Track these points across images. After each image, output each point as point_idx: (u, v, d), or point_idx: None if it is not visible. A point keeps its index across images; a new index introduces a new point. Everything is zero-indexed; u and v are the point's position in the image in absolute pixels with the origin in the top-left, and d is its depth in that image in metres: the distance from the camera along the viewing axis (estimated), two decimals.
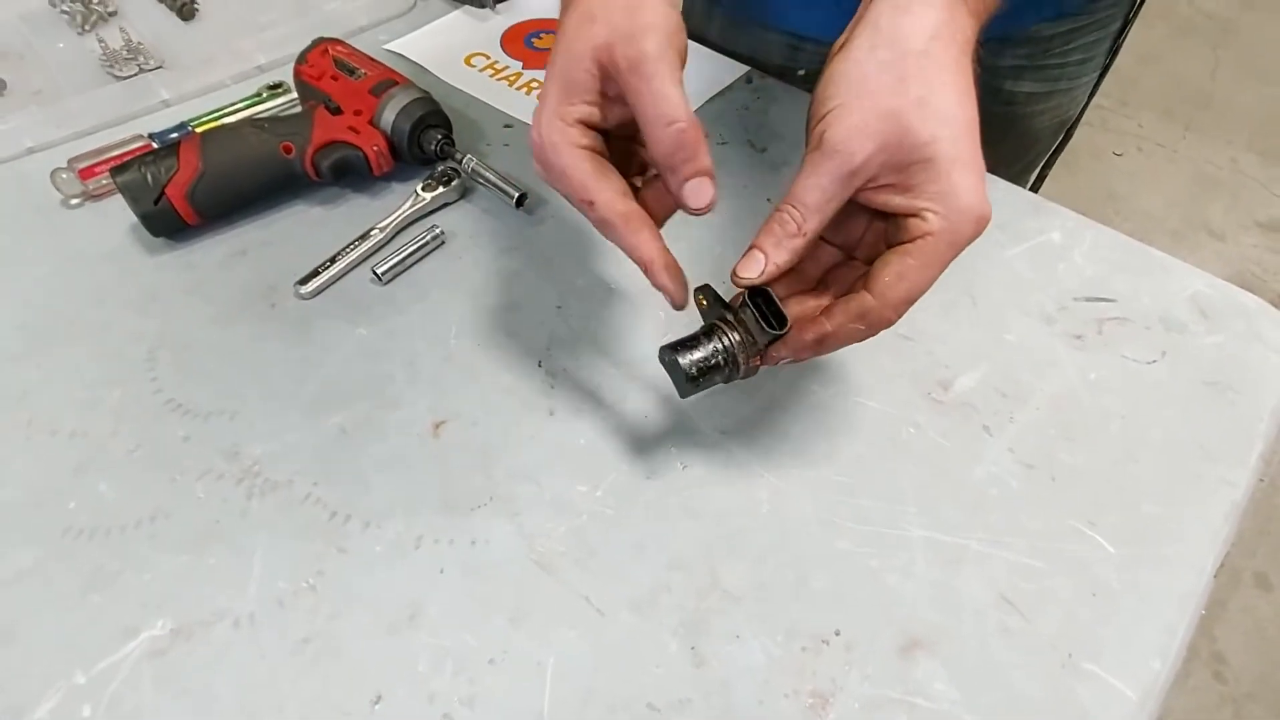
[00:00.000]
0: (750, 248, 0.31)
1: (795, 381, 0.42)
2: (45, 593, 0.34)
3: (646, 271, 0.32)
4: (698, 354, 0.32)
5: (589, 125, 0.33)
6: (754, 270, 0.31)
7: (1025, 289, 0.47)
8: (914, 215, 0.30)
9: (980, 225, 0.30)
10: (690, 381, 0.32)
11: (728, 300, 0.33)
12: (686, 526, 0.37)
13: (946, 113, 0.29)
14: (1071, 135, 0.69)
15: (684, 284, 0.33)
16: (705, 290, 0.34)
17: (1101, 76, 0.65)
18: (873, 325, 0.31)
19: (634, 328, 0.44)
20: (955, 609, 0.34)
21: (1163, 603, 0.35)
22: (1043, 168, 0.71)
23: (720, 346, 0.32)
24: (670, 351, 0.32)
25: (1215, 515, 0.38)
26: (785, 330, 0.31)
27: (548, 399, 0.41)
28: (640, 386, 0.42)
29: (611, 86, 0.32)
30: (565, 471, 0.38)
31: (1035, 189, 0.72)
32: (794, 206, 0.30)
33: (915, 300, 0.30)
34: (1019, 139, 0.66)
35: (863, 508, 0.37)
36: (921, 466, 0.39)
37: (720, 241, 0.49)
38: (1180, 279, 0.47)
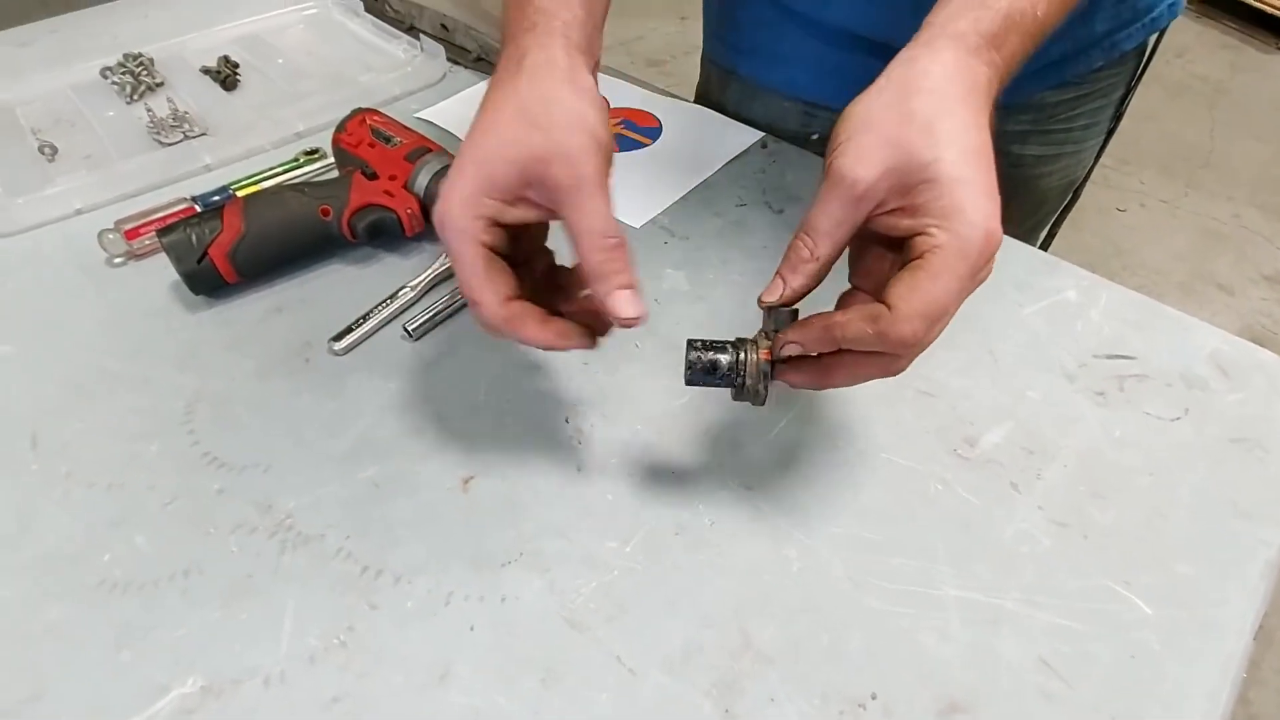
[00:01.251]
0: (774, 275, 0.33)
1: (819, 436, 0.42)
2: (77, 647, 0.34)
3: (550, 349, 0.35)
4: (712, 349, 0.34)
5: (494, 221, 0.33)
6: (774, 294, 0.33)
7: (1044, 346, 0.47)
8: (921, 233, 0.30)
9: (990, 241, 0.30)
10: (698, 367, 0.33)
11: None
12: (717, 584, 0.37)
13: (949, 136, 0.30)
14: (1079, 195, 0.71)
15: (587, 336, 0.35)
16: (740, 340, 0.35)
17: (1107, 140, 0.67)
18: (883, 333, 0.30)
19: (658, 385, 0.45)
20: (993, 671, 0.34)
21: (1205, 667, 0.34)
22: (1051, 226, 0.73)
23: (738, 352, 0.34)
24: (694, 345, 0.34)
25: (1252, 574, 0.37)
26: (794, 308, 0.33)
27: (575, 455, 0.42)
28: (666, 443, 0.42)
29: (533, 194, 0.33)
30: (594, 527, 0.38)
31: (1045, 247, 0.74)
32: (806, 234, 0.32)
33: (932, 316, 0.29)
34: (1027, 199, 0.68)
35: (893, 566, 0.37)
36: (951, 524, 0.39)
37: (742, 304, 0.50)
38: (1198, 336, 0.48)
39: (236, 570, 0.36)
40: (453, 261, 0.33)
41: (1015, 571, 0.37)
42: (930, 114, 0.30)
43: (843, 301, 0.35)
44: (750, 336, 0.35)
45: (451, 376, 0.45)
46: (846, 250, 0.33)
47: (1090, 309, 0.50)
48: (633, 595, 0.36)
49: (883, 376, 0.32)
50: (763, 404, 0.35)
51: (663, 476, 0.41)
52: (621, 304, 0.32)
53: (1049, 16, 0.33)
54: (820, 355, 0.33)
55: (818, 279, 0.33)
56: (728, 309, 0.49)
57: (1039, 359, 0.47)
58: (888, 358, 0.31)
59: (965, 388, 0.45)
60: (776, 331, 0.34)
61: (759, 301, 0.33)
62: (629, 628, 0.35)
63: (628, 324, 0.33)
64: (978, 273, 0.30)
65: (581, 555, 0.37)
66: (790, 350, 0.33)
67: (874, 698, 0.33)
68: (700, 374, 0.34)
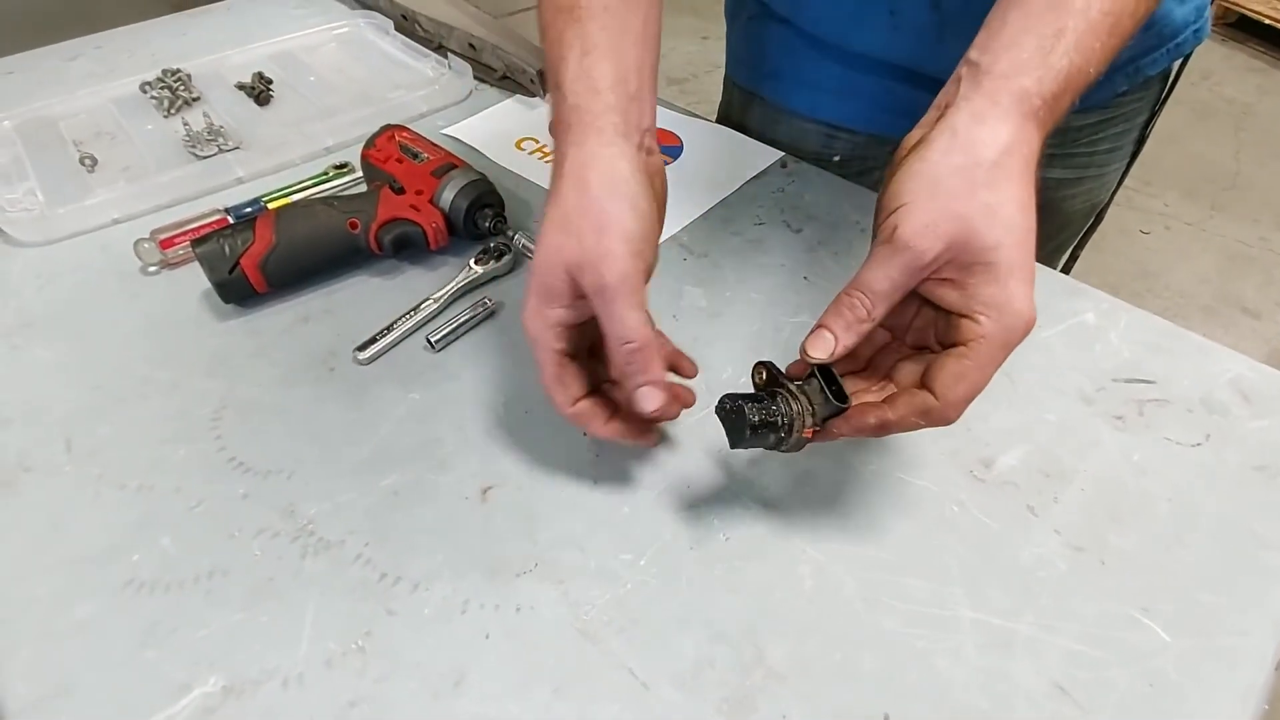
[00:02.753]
0: (818, 327, 0.33)
1: (835, 456, 0.43)
2: (104, 645, 0.35)
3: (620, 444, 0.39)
4: (760, 409, 0.34)
5: (565, 325, 0.36)
6: (823, 350, 0.33)
7: (1063, 369, 0.47)
8: (968, 316, 0.31)
9: (1029, 327, 0.31)
10: (750, 432, 0.34)
11: (785, 375, 0.36)
12: (730, 599, 0.37)
13: (1010, 221, 0.31)
14: (1102, 218, 0.71)
15: (652, 434, 0.40)
16: (766, 365, 0.36)
17: (1130, 163, 0.67)
18: (933, 422, 0.33)
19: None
20: (1008, 696, 0.33)
21: (1225, 697, 0.34)
22: (1074, 249, 0.73)
23: (781, 409, 0.34)
24: (732, 400, 0.34)
25: (1273, 604, 0.37)
26: (847, 405, 0.33)
27: (592, 468, 0.42)
28: (682, 458, 0.43)
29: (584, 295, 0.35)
30: (609, 540, 0.39)
31: (1067, 269, 0.74)
32: (864, 293, 0.32)
33: (973, 398, 0.32)
34: (1050, 222, 0.68)
35: (908, 586, 0.37)
36: (967, 545, 0.39)
37: (760, 319, 0.50)
38: (1219, 362, 0.48)
39: (259, 573, 0.37)
40: (619, 291, 0.34)
41: (1031, 595, 0.37)
42: (995, 192, 0.30)
43: (868, 342, 0.35)
44: (780, 373, 0.35)
45: (472, 388, 0.46)
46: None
47: (1109, 332, 0.49)
48: (646, 608, 0.36)
49: (931, 426, 0.33)
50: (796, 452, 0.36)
51: (678, 491, 0.41)
52: (641, 400, 0.35)
53: (1099, 72, 0.33)
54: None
55: (864, 337, 0.33)
56: (744, 326, 0.50)
57: (1057, 382, 0.46)
58: (938, 410, 0.32)
59: (982, 410, 0.45)
60: (825, 388, 0.34)
61: (802, 351, 0.33)
62: (642, 640, 0.35)
63: (652, 417, 0.36)
64: (1012, 351, 0.32)
65: (596, 567, 0.38)
66: (839, 437, 0.35)
67: (887, 718, 0.33)
68: (748, 442, 0.34)
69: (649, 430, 0.40)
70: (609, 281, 0.33)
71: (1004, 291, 0.30)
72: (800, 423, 0.34)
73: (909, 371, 0.35)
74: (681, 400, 0.39)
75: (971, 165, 0.31)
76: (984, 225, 0.30)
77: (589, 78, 0.36)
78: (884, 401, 0.33)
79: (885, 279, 0.32)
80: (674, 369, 0.41)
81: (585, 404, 0.38)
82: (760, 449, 0.36)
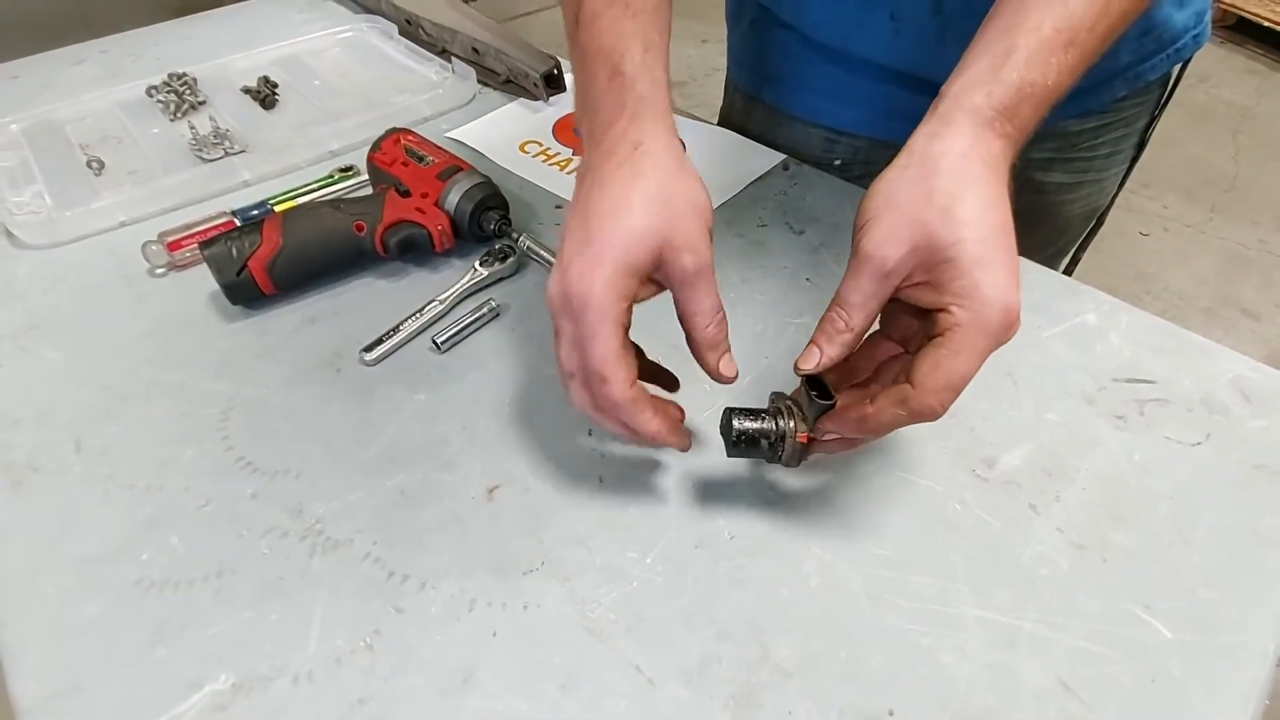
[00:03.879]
0: (809, 343, 0.35)
1: (839, 456, 0.43)
2: (114, 643, 0.35)
3: (655, 441, 0.37)
4: (753, 422, 0.37)
5: (630, 301, 0.35)
6: (810, 362, 0.35)
7: (1064, 369, 0.48)
8: (943, 310, 0.33)
9: (1008, 315, 0.32)
10: (741, 439, 0.36)
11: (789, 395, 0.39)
12: (735, 597, 0.37)
13: (970, 219, 0.32)
14: (1103, 222, 0.71)
15: (687, 437, 0.39)
16: (776, 394, 0.39)
17: (1130, 167, 0.67)
18: (913, 411, 0.33)
19: (680, 400, 0.46)
20: (1013, 693, 0.34)
21: (1227, 693, 0.34)
22: (1075, 253, 0.73)
23: (771, 420, 0.37)
24: (730, 414, 0.37)
25: (1275, 601, 0.37)
26: (833, 402, 0.35)
27: (597, 467, 0.42)
28: (687, 457, 0.43)
29: (659, 274, 0.36)
30: (615, 538, 0.39)
31: (1068, 273, 0.74)
32: (840, 307, 0.34)
33: (955, 387, 0.32)
34: (1051, 226, 0.68)
35: (912, 584, 0.37)
36: (970, 544, 0.39)
37: (763, 320, 0.51)
38: (1220, 362, 0.48)
39: (267, 572, 0.37)
40: (583, 340, 0.34)
41: (1034, 593, 0.37)
42: (950, 194, 0.32)
43: (869, 349, 0.38)
44: (787, 396, 0.38)
45: (477, 388, 0.47)
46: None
47: (1110, 332, 0.50)
48: (652, 606, 0.37)
49: (916, 422, 0.34)
50: (796, 466, 0.38)
51: (683, 490, 0.41)
52: (725, 368, 0.37)
53: (1060, 84, 0.35)
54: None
55: (851, 347, 0.35)
56: (748, 327, 0.50)
57: (1058, 382, 0.47)
58: (916, 397, 0.33)
59: (983, 409, 0.45)
60: (812, 392, 0.36)
61: (795, 368, 0.35)
62: (648, 638, 0.35)
63: (727, 382, 0.37)
64: (998, 343, 0.32)
65: (602, 565, 0.38)
66: (830, 438, 0.36)
67: (891, 714, 0.33)
68: (742, 450, 0.37)
69: (684, 432, 0.39)
70: (706, 260, 0.35)
71: (971, 281, 0.31)
72: (793, 431, 0.36)
73: (897, 371, 0.36)
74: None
75: (927, 175, 0.33)
76: (940, 225, 0.32)
77: (653, 73, 0.37)
78: (867, 398, 0.34)
79: (856, 290, 0.34)
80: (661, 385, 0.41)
81: (640, 389, 0.36)
82: (764, 460, 0.38)
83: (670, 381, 0.41)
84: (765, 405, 0.38)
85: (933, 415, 0.33)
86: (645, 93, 0.36)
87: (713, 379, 0.37)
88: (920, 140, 0.34)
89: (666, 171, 0.35)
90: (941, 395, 0.32)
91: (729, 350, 0.37)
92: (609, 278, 0.34)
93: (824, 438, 0.36)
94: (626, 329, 0.35)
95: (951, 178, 0.32)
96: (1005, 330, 0.32)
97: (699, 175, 0.36)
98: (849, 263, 0.34)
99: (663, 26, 0.39)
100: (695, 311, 0.36)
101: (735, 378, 0.37)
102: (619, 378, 0.34)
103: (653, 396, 0.37)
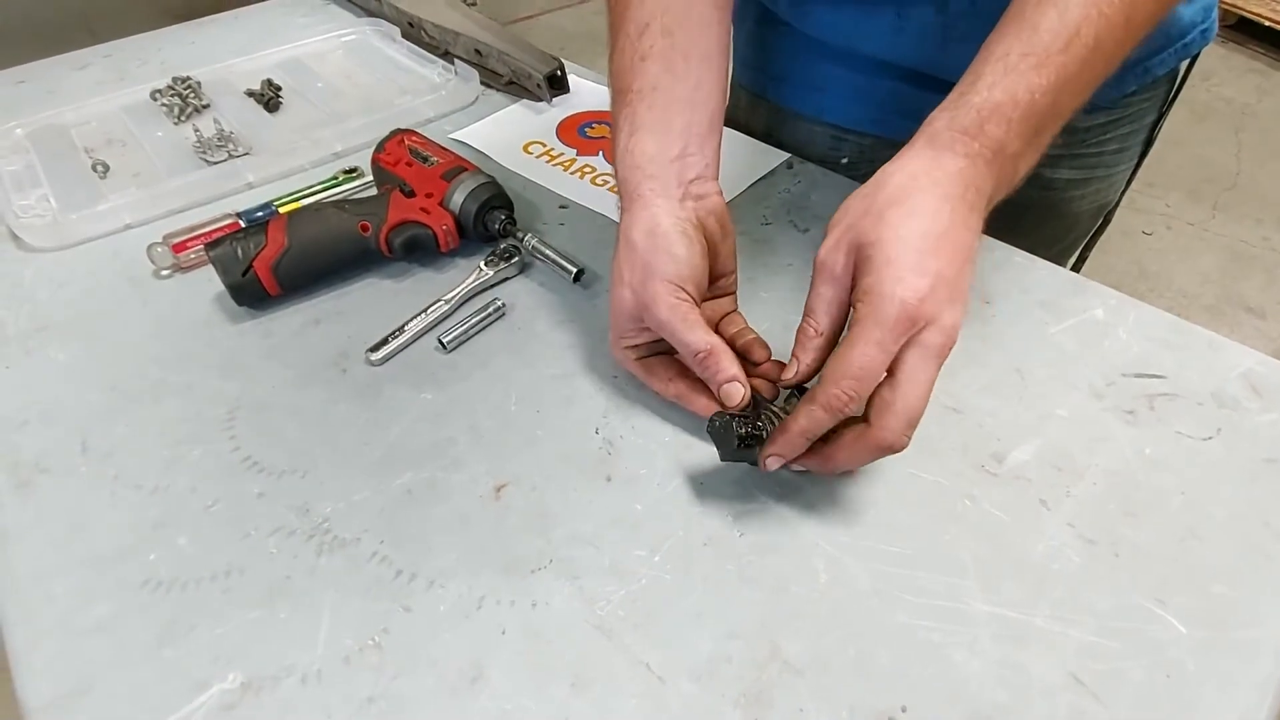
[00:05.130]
0: (791, 356, 0.38)
1: None
2: (123, 643, 0.35)
3: (724, 387, 0.40)
4: (745, 424, 0.38)
5: (640, 345, 0.44)
6: (790, 372, 0.38)
7: (1072, 365, 0.47)
8: (853, 306, 0.35)
9: (904, 311, 0.33)
10: (738, 444, 0.38)
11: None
12: (744, 594, 0.37)
13: (894, 222, 0.34)
14: (1110, 219, 0.71)
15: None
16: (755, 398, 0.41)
17: (1139, 164, 0.67)
18: (823, 404, 0.35)
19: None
20: (1025, 689, 0.33)
21: (1241, 688, 0.34)
22: (1083, 250, 0.73)
23: (765, 424, 0.39)
24: (720, 418, 0.39)
25: None
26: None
27: (605, 465, 0.42)
28: (695, 455, 0.43)
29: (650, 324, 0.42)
30: (623, 536, 0.39)
31: (1077, 269, 0.74)
32: (807, 316, 0.38)
33: (859, 378, 0.34)
34: (1059, 222, 0.68)
35: (921, 581, 0.37)
36: (980, 539, 0.39)
37: (768, 318, 0.50)
38: (1229, 357, 0.48)
39: (275, 572, 0.37)
40: (671, 320, 0.40)
41: (1045, 588, 0.37)
42: (887, 202, 0.35)
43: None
44: (770, 402, 0.42)
45: (483, 387, 0.46)
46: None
47: (1118, 328, 0.50)
48: (661, 604, 0.36)
49: (881, 455, 0.36)
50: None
51: (691, 488, 0.41)
52: (725, 397, 0.40)
53: (1044, 101, 0.36)
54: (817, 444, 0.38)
55: (825, 351, 0.37)
56: (753, 324, 0.50)
57: (1067, 377, 0.47)
58: (871, 433, 0.35)
59: (992, 405, 0.45)
60: (792, 395, 0.40)
61: (778, 382, 0.40)
62: (657, 636, 0.35)
63: (732, 407, 0.39)
64: (899, 338, 0.34)
65: (610, 563, 0.38)
66: (772, 464, 0.38)
67: (904, 710, 0.33)
68: (737, 455, 0.39)
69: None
70: (661, 317, 0.40)
71: (875, 278, 0.34)
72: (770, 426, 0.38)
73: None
74: (769, 376, 0.43)
75: (873, 192, 0.36)
76: (867, 229, 0.35)
77: (632, 155, 0.42)
78: None
79: (815, 297, 0.37)
80: (746, 356, 0.43)
81: (682, 385, 0.43)
82: (749, 463, 0.40)
83: (757, 352, 0.43)
84: (750, 410, 0.40)
85: (835, 405, 0.34)
86: (625, 174, 0.42)
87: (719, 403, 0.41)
88: (884, 166, 0.37)
89: (630, 247, 0.41)
90: (842, 384, 0.34)
91: (729, 379, 0.39)
92: (612, 340, 0.45)
93: (769, 465, 0.38)
94: (642, 359, 0.44)
95: (894, 189, 0.35)
96: (903, 325, 0.33)
97: (671, 233, 0.41)
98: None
99: (662, 102, 0.43)
100: (680, 353, 0.41)
101: (740, 402, 0.39)
102: (656, 389, 0.44)
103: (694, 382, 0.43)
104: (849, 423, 0.37)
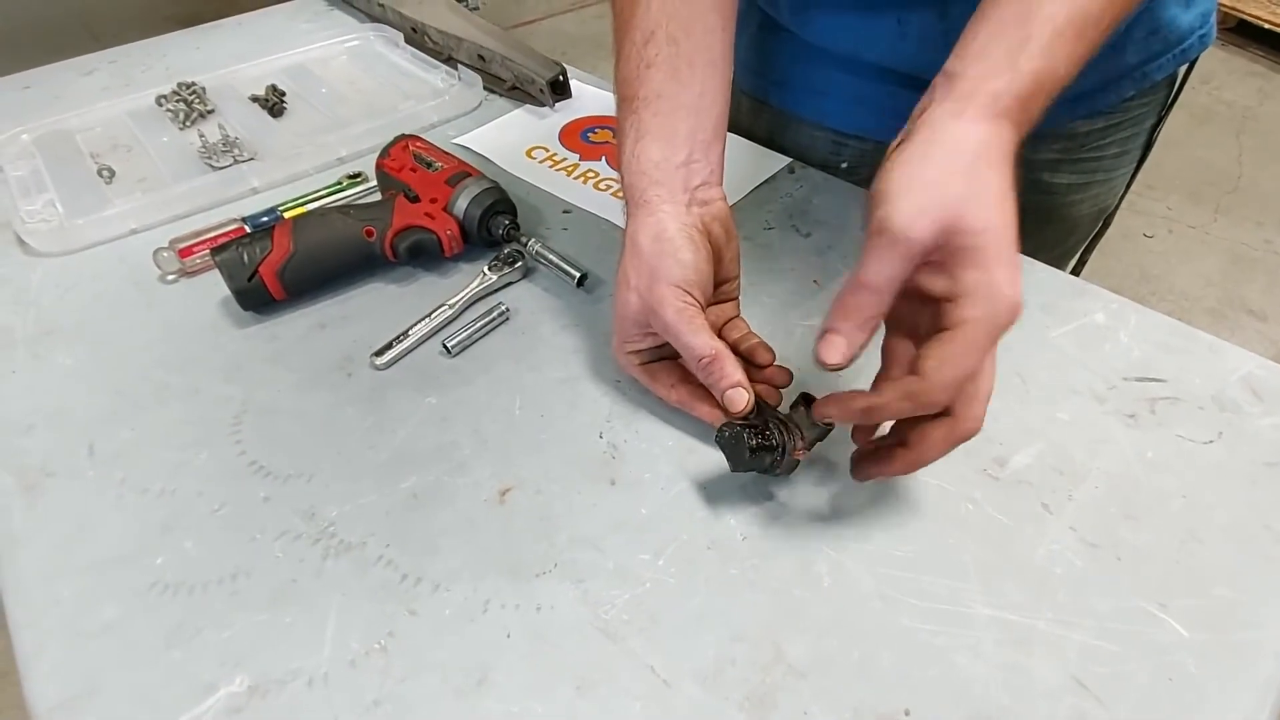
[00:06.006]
0: (827, 331, 0.34)
1: (849, 453, 0.43)
2: (131, 646, 0.35)
3: (727, 395, 0.39)
4: (756, 434, 0.38)
5: (644, 350, 0.44)
6: (836, 354, 0.33)
7: (1074, 368, 0.48)
8: (954, 300, 0.32)
9: (1014, 314, 0.32)
10: (750, 455, 0.37)
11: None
12: (748, 598, 0.37)
13: (993, 210, 0.32)
14: (1110, 223, 0.71)
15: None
16: (760, 405, 0.40)
17: (1138, 168, 0.68)
18: (921, 405, 0.33)
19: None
20: (1028, 691, 0.34)
21: (1243, 691, 0.34)
22: (1082, 253, 0.73)
23: (774, 433, 0.38)
24: (730, 428, 0.38)
25: None
26: (832, 426, 0.38)
27: (609, 469, 0.43)
28: (698, 459, 0.43)
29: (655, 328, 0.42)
30: (627, 540, 0.39)
31: (1076, 273, 0.74)
32: (864, 289, 0.33)
33: (961, 383, 0.33)
34: (1059, 226, 0.68)
35: (924, 584, 0.37)
36: (982, 543, 0.39)
37: (771, 323, 0.51)
38: (1230, 360, 0.48)
39: (281, 575, 0.38)
40: (677, 324, 0.40)
41: (1048, 591, 0.37)
42: (978, 181, 0.32)
43: (886, 351, 0.38)
44: (774, 410, 0.40)
45: (488, 392, 0.47)
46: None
47: (1119, 331, 0.50)
48: (665, 607, 0.37)
49: (961, 441, 0.35)
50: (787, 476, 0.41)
51: (695, 491, 0.41)
52: (729, 403, 0.39)
53: (1068, 75, 0.35)
54: (893, 446, 0.37)
55: (874, 333, 0.34)
56: (757, 329, 0.50)
57: (1068, 381, 0.47)
58: (961, 425, 0.34)
59: (993, 409, 0.44)
60: (799, 403, 0.39)
61: (818, 359, 0.34)
62: (662, 639, 0.35)
63: (737, 413, 0.39)
64: (999, 339, 0.33)
65: (615, 567, 0.38)
66: (830, 418, 0.37)
67: (907, 713, 0.33)
68: (749, 465, 0.38)
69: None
70: (668, 320, 0.40)
71: (989, 275, 0.31)
72: (791, 444, 0.38)
73: (902, 350, 0.36)
74: (773, 381, 0.43)
75: (953, 156, 0.32)
76: (971, 210, 0.31)
77: (638, 161, 0.42)
78: (872, 387, 0.35)
79: (883, 271, 0.32)
80: (750, 360, 0.43)
81: (684, 390, 0.43)
82: (757, 472, 0.39)
83: (762, 355, 0.44)
84: (756, 418, 0.39)
85: (937, 407, 0.33)
86: (631, 180, 0.43)
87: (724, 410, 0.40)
88: (941, 119, 0.33)
89: (635, 251, 0.41)
90: (949, 390, 0.32)
91: (733, 385, 0.39)
92: (616, 346, 0.45)
93: (824, 420, 0.37)
94: (645, 365, 0.45)
95: (977, 162, 0.32)
96: (1009, 326, 0.32)
97: (677, 237, 0.41)
98: (869, 242, 0.33)
99: (667, 109, 0.42)
100: (684, 357, 0.41)
101: (744, 408, 0.39)
102: (659, 395, 0.44)
103: (697, 388, 0.43)
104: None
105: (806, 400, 0.39)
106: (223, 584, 0.37)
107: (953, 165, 0.32)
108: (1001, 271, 0.31)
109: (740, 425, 0.38)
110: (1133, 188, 0.69)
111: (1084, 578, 0.37)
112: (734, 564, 0.38)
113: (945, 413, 0.34)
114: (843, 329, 0.33)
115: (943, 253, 0.32)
